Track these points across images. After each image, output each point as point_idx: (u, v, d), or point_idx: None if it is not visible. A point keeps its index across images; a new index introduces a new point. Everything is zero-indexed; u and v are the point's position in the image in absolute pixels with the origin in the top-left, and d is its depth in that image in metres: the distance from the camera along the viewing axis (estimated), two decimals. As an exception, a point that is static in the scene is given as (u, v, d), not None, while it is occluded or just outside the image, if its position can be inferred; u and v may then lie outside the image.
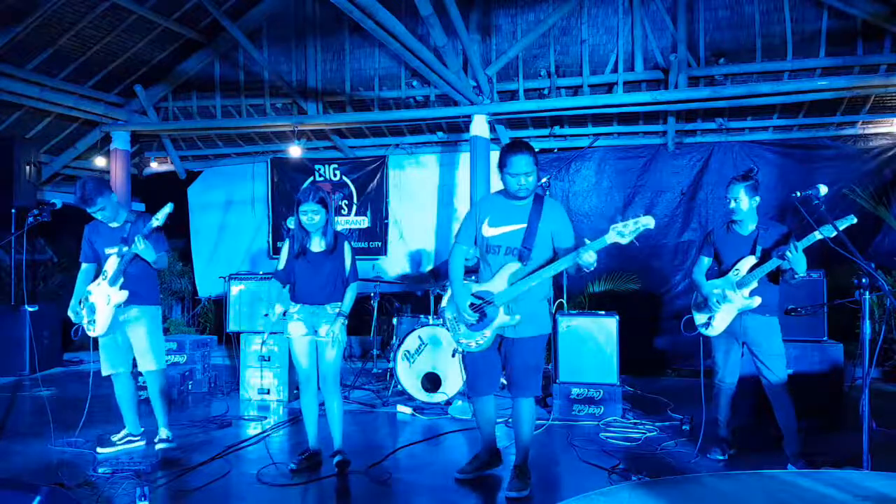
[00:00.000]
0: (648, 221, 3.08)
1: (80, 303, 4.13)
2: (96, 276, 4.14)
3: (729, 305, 3.76)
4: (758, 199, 3.72)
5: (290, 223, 8.82)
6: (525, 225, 3.34)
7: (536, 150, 8.74)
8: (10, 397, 5.77)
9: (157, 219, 3.91)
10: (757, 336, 3.75)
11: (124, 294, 4.00)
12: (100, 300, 4.05)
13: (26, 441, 4.37)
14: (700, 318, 3.93)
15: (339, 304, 3.81)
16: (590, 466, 3.84)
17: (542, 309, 3.43)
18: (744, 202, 3.68)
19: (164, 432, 4.15)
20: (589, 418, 4.91)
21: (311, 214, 3.67)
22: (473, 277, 3.56)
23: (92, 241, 4.16)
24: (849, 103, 6.82)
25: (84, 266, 4.20)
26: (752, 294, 3.69)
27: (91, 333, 4.11)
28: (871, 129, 7.08)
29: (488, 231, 3.43)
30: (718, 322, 3.81)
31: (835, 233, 3.26)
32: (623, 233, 3.09)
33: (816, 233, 3.36)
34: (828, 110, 7.00)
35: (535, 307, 3.39)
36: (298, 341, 3.80)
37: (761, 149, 7.31)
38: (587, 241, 3.18)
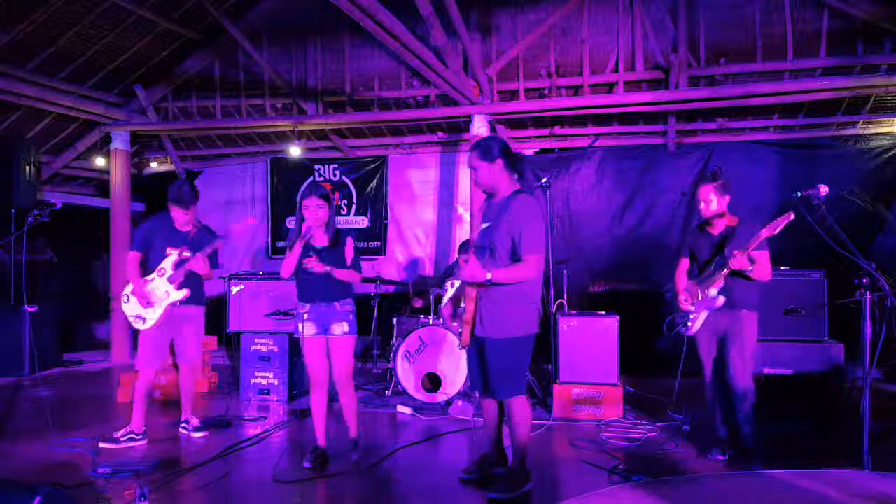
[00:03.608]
0: None
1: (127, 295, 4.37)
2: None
3: (698, 305, 3.78)
4: (728, 198, 3.72)
5: (291, 223, 8.84)
6: (494, 221, 3.36)
7: (537, 150, 8.71)
8: (10, 397, 5.77)
9: (221, 238, 4.47)
10: (729, 332, 3.73)
11: (184, 293, 4.32)
12: (157, 295, 4.31)
13: (26, 441, 4.37)
14: (680, 318, 3.95)
15: (349, 300, 3.87)
16: (590, 466, 3.84)
17: (511, 313, 3.30)
18: (713, 203, 3.68)
19: (194, 421, 4.54)
20: (589, 418, 4.91)
21: (314, 209, 3.72)
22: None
23: (151, 237, 4.40)
24: (849, 103, 6.82)
25: (133, 255, 4.40)
26: (719, 293, 3.66)
27: (139, 326, 4.33)
28: (872, 129, 7.08)
29: (478, 231, 3.54)
30: (694, 321, 3.82)
31: (774, 231, 3.35)
32: None
33: (762, 230, 3.43)
34: (828, 110, 6.99)
35: (501, 308, 3.30)
36: (311, 341, 3.84)
37: (762, 149, 7.30)
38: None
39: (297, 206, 3.78)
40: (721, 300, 3.65)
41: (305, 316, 3.83)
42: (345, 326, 3.82)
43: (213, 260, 4.47)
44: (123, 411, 5.06)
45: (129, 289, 4.37)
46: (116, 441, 4.19)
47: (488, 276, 3.18)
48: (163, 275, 4.32)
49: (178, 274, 4.29)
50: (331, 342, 3.84)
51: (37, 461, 3.93)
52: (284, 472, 3.73)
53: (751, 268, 3.55)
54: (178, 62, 8.09)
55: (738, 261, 3.48)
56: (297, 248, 3.73)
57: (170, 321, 4.37)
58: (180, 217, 4.41)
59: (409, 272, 8.36)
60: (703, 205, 3.71)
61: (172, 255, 4.36)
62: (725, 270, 3.59)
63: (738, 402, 3.69)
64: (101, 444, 4.13)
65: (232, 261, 8.90)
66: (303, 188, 3.97)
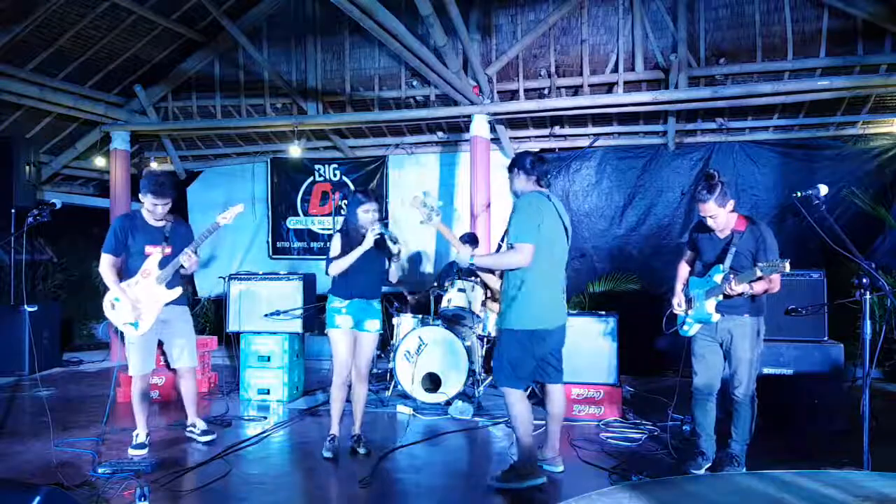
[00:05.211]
0: None
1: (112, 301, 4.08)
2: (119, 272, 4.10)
3: (693, 313, 3.70)
4: (731, 201, 3.52)
5: (291, 223, 8.84)
6: None
7: (537, 150, 8.74)
8: (10, 397, 5.77)
9: (224, 217, 4.21)
10: (732, 339, 3.60)
11: (177, 291, 4.14)
12: (147, 298, 4.05)
13: (26, 441, 4.37)
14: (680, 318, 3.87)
15: (379, 299, 4.18)
16: (590, 466, 3.84)
17: (508, 305, 3.50)
18: (720, 215, 3.51)
19: (201, 423, 4.42)
20: (589, 418, 4.91)
21: (372, 212, 4.01)
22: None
23: (127, 235, 4.06)
24: (849, 103, 6.82)
25: (111, 259, 4.04)
26: (716, 308, 3.57)
27: (131, 333, 4.06)
28: (872, 129, 7.08)
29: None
30: (691, 322, 3.74)
31: (759, 274, 3.28)
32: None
33: (756, 269, 3.29)
34: (828, 110, 6.99)
35: (506, 300, 3.52)
36: (346, 335, 4.02)
37: (761, 149, 7.30)
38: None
39: (352, 208, 4.00)
40: (716, 317, 3.58)
41: (344, 311, 4.01)
42: (377, 324, 4.12)
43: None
44: (123, 411, 5.05)
45: (111, 295, 4.03)
46: (143, 447, 4.08)
47: (472, 259, 3.54)
48: (148, 276, 4.04)
49: (166, 272, 4.04)
50: (362, 337, 4.08)
51: (37, 461, 3.93)
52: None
53: (750, 290, 3.43)
54: (178, 62, 8.09)
55: (731, 291, 3.41)
56: (365, 246, 3.91)
57: (159, 323, 4.12)
58: (158, 210, 4.05)
59: (409, 271, 8.35)
60: (710, 221, 3.55)
61: (155, 254, 4.07)
62: (721, 294, 3.50)
63: (736, 409, 3.63)
64: (132, 452, 4.06)
65: (232, 261, 8.91)
66: (357, 189, 4.14)
